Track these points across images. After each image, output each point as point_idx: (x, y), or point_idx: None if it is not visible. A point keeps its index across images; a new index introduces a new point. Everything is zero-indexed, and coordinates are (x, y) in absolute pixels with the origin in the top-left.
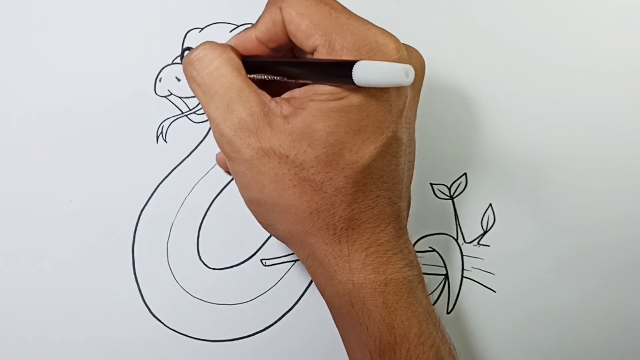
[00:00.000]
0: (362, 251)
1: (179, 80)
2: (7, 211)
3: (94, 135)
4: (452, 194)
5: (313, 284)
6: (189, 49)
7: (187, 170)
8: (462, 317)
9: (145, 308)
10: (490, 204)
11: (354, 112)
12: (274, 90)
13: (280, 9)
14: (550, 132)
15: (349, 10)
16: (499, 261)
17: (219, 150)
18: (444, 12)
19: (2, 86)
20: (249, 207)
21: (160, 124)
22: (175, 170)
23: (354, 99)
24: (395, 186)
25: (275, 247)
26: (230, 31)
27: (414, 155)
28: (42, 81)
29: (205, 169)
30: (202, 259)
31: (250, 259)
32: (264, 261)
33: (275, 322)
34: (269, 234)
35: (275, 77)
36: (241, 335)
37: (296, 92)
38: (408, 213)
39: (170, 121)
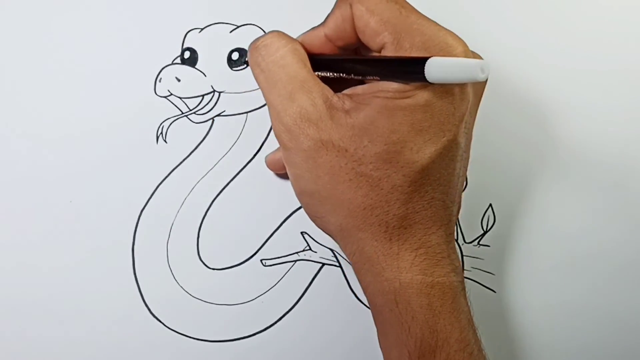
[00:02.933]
0: (412, 251)
1: (179, 80)
2: (7, 211)
3: (94, 136)
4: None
5: (313, 284)
6: (189, 49)
7: (187, 170)
8: None
9: (145, 308)
10: (490, 204)
11: (418, 111)
12: (337, 89)
13: (351, 5)
14: (550, 132)
15: (417, 10)
16: (499, 261)
17: (219, 151)
18: (443, 14)
19: (1, 87)
20: (299, 199)
21: (160, 124)
22: (175, 170)
23: (420, 98)
24: (450, 190)
25: (275, 247)
26: (230, 31)
27: (468, 161)
28: (41, 81)
29: (205, 169)
30: (202, 259)
31: (250, 259)
32: (264, 261)
33: (275, 322)
34: (269, 234)
35: (341, 74)
36: (241, 335)
37: (358, 89)
38: (457, 219)
39: (170, 121)
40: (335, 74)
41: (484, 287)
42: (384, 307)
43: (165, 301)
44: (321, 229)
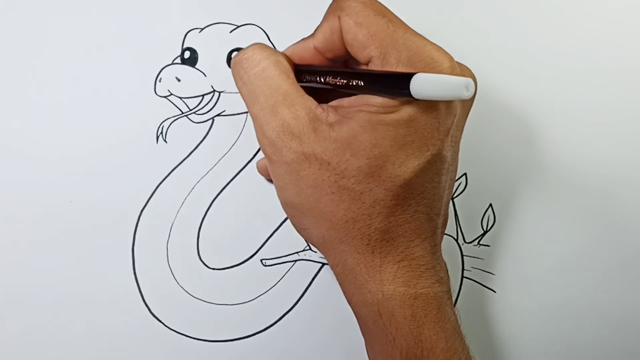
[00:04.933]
0: (394, 264)
1: (179, 80)
2: (7, 211)
3: (94, 135)
4: (452, 194)
5: (313, 284)
6: (189, 49)
7: (187, 170)
8: (462, 318)
9: (145, 308)
10: (490, 204)
11: (402, 126)
12: (324, 100)
13: (339, 18)
14: (551, 132)
15: (405, 24)
16: (499, 261)
17: (219, 152)
18: (442, 14)
19: (1, 87)
20: (285, 210)
21: (160, 124)
22: (175, 170)
23: (404, 113)
24: (435, 203)
25: (275, 247)
26: (230, 31)
27: (456, 173)
28: (41, 81)
29: (205, 169)
30: (202, 259)
31: (250, 259)
32: (264, 261)
33: (275, 322)
34: (269, 234)
35: (328, 86)
36: (241, 335)
37: (344, 101)
38: (444, 230)
39: (170, 121)
40: (321, 85)
41: (484, 287)
42: (368, 319)
43: (165, 301)
44: (306, 240)
